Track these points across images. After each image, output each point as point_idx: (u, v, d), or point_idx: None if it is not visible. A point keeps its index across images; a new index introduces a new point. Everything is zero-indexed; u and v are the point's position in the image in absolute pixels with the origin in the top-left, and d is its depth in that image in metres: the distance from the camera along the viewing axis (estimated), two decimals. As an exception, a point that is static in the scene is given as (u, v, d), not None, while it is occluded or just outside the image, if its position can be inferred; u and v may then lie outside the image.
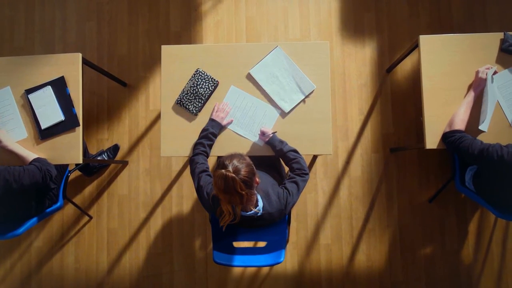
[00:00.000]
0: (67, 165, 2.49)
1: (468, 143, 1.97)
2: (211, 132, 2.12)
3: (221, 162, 1.73)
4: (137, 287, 2.92)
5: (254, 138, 2.21)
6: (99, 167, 2.97)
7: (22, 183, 2.01)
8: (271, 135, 2.11)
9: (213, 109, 2.20)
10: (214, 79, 2.23)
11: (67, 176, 2.52)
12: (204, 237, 2.94)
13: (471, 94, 2.12)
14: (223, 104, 2.21)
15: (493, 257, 2.84)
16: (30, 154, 2.20)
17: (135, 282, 2.92)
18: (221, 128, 2.19)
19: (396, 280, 2.85)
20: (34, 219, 2.31)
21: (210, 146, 2.13)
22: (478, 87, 2.13)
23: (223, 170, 1.68)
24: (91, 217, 2.97)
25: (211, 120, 2.17)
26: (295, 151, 2.07)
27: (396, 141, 2.95)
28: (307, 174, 2.01)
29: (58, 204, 2.45)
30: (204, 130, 2.14)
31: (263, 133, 2.15)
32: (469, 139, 1.99)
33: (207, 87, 2.22)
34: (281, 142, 2.09)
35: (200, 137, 2.13)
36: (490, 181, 2.08)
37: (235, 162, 1.71)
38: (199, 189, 1.97)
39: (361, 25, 3.07)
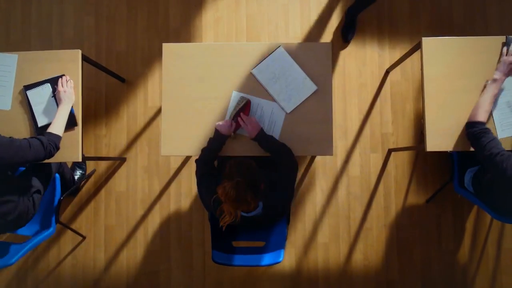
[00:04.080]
0: (59, 190, 2.44)
1: (486, 141, 1.94)
2: (218, 147, 2.08)
3: (229, 170, 1.73)
4: (134, 284, 2.92)
5: None
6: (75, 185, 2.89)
7: (27, 158, 1.97)
8: (259, 130, 2.06)
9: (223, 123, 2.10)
10: (243, 97, 2.18)
11: (60, 201, 2.44)
12: (202, 235, 2.94)
13: (497, 83, 2.08)
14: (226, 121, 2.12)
15: (488, 257, 2.88)
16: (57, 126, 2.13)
17: (132, 279, 2.92)
18: (227, 137, 2.11)
19: (392, 279, 2.88)
20: (27, 247, 2.25)
21: (217, 156, 2.12)
22: (507, 73, 2.09)
23: (234, 181, 1.68)
24: (84, 237, 2.94)
25: (220, 134, 2.08)
26: (284, 145, 2.06)
27: (395, 142, 2.96)
28: (296, 165, 2.03)
29: (50, 229, 2.38)
30: (210, 144, 2.09)
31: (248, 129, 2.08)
32: (489, 137, 1.95)
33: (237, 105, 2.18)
34: (271, 136, 2.08)
35: (209, 143, 2.09)
36: (491, 185, 2.09)
37: (244, 170, 1.72)
38: (201, 188, 1.97)
39: (362, 25, 3.06)
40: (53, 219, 2.41)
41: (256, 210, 1.86)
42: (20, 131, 2.25)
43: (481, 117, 2.03)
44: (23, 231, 2.44)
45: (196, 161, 2.08)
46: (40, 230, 2.44)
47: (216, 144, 2.07)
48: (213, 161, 2.10)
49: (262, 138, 2.06)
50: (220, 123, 2.08)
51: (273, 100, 2.21)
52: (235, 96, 2.22)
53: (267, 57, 2.22)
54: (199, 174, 2.02)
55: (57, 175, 2.46)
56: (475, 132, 2.01)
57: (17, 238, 2.79)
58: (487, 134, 1.97)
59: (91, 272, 2.94)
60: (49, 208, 2.45)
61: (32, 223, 2.45)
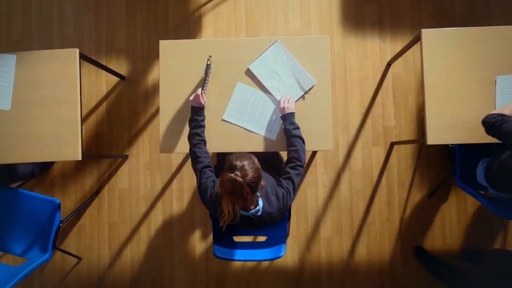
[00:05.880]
0: (59, 217, 2.42)
1: (508, 126, 1.82)
2: (201, 119, 2.03)
3: (230, 163, 1.72)
4: (138, 280, 2.95)
5: (266, 133, 2.18)
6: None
7: None
8: (290, 112, 2.05)
9: (193, 96, 2.06)
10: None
11: (59, 227, 2.41)
12: (204, 231, 2.95)
13: None
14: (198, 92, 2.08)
15: (493, 250, 2.85)
16: None
17: (136, 275, 2.95)
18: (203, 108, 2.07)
19: (396, 273, 2.86)
20: (21, 275, 2.22)
21: (203, 132, 2.06)
22: None
23: (232, 174, 1.67)
24: (80, 259, 2.96)
25: (194, 108, 2.04)
26: (301, 138, 2.00)
27: (397, 135, 2.93)
28: (302, 166, 1.96)
29: (46, 255, 2.36)
30: (193, 120, 2.03)
31: (282, 105, 2.07)
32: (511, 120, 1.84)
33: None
34: (293, 123, 2.03)
35: (193, 127, 2.02)
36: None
37: (245, 165, 1.70)
38: (201, 186, 1.94)
39: (362, 17, 3.02)
40: (50, 245, 2.39)
41: (256, 209, 1.85)
42: (19, 131, 2.27)
43: (507, 111, 1.90)
44: (17, 250, 2.43)
45: (192, 149, 2.00)
46: (36, 252, 2.41)
47: (197, 118, 2.02)
48: (203, 140, 2.03)
49: (289, 119, 2.03)
50: (191, 98, 2.04)
51: (272, 95, 2.19)
52: (239, 87, 2.20)
53: (263, 52, 2.21)
54: (201, 166, 1.94)
55: (58, 201, 2.41)
56: (495, 122, 1.86)
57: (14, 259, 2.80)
58: (509, 119, 1.85)
59: (96, 269, 2.97)
60: (47, 232, 2.41)
61: (29, 244, 2.44)
